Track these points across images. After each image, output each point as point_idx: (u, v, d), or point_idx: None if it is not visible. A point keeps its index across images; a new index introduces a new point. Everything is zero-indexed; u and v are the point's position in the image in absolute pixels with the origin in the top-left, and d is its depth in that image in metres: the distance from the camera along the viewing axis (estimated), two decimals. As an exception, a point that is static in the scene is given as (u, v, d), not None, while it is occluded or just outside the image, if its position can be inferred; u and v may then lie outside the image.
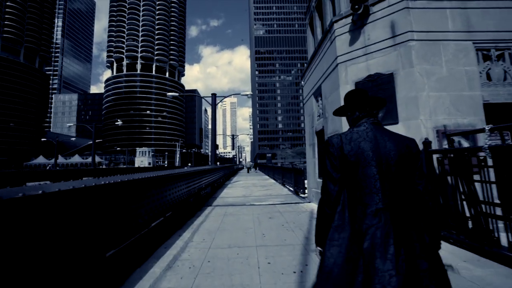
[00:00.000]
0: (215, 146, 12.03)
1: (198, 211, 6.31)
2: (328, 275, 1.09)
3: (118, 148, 71.85)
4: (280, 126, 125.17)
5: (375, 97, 1.29)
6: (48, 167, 52.39)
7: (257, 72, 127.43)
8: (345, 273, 1.06)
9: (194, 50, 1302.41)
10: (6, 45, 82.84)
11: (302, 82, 8.96)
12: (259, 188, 11.28)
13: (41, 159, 65.30)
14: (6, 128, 77.18)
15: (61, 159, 66.06)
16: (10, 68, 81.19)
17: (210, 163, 11.95)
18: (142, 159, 67.30)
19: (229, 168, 18.70)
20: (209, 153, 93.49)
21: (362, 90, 1.35)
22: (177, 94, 12.76)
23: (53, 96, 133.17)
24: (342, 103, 1.34)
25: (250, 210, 6.38)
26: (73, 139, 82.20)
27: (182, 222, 5.02)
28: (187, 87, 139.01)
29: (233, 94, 13.37)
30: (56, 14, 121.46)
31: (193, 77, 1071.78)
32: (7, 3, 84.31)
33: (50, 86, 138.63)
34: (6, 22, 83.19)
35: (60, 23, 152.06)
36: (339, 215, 1.18)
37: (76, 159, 66.91)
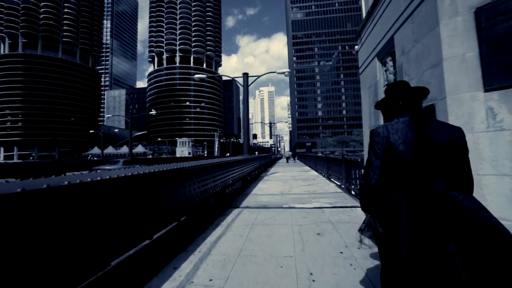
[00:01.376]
0: (248, 134, 10.47)
1: (219, 217, 4.80)
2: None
3: (159, 139, 75.39)
4: (320, 113, 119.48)
5: (418, 87, 1.35)
6: (89, 157, 57.12)
7: (294, 58, 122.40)
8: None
9: (231, 40, 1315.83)
10: (66, 48, 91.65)
11: (357, 46, 6.78)
12: (300, 182, 9.47)
13: (96, 150, 71.83)
14: (68, 123, 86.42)
15: (112, 150, 71.82)
16: (70, 68, 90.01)
17: (243, 153, 10.45)
18: (183, 149, 69.78)
19: (265, 158, 17.14)
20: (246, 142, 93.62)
21: (403, 82, 1.38)
22: (204, 76, 11.44)
23: (105, 92, 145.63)
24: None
25: (289, 216, 4.67)
26: (116, 130, 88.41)
27: (190, 238, 3.52)
28: (224, 78, 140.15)
29: (268, 72, 11.61)
30: (104, 17, 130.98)
31: (231, 68, 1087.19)
32: (65, 10, 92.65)
33: (102, 84, 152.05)
34: (65, 28, 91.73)
35: (108, 25, 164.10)
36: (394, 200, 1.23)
37: (125, 149, 72.10)
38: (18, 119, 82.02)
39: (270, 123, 29.54)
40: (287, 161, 29.11)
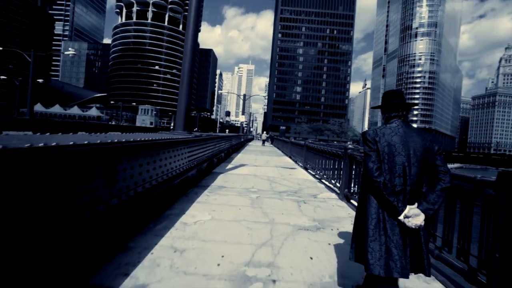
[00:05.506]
0: (188, 90, 4.91)
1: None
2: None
3: (112, 102, 65.48)
4: (298, 98, 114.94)
5: (410, 103, 1.61)
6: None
7: (280, 35, 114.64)
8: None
9: (217, 10, 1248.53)
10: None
11: None
12: (291, 206, 4.30)
13: (38, 107, 60.60)
14: (5, 70, 72.03)
15: (59, 109, 61.16)
16: (11, 3, 73.64)
17: (174, 127, 4.90)
18: (144, 118, 61.33)
19: (229, 140, 11.68)
20: (218, 119, 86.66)
21: (399, 93, 1.65)
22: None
23: (62, 43, 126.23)
24: None
25: None
26: (69, 86, 76.67)
27: None
28: (201, 46, 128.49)
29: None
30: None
31: (214, 40, 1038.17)
32: None
33: (61, 33, 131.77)
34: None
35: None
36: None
37: (75, 110, 61.75)
38: None
39: (244, 95, 24.07)
40: (263, 144, 27.11)
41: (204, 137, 5.27)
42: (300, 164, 10.25)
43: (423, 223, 1.41)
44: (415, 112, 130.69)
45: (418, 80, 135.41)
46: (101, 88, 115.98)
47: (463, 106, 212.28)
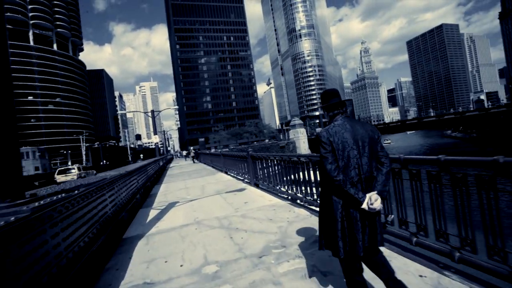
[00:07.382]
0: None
1: None
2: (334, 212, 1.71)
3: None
4: (210, 106, 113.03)
5: (347, 99, 1.86)
6: None
7: (178, 47, 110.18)
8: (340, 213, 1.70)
9: (103, 27, 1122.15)
10: None
11: None
12: (285, 273, 2.37)
13: None
14: None
15: None
16: None
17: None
18: (25, 164, 47.18)
19: (145, 171, 8.63)
20: (128, 145, 76.48)
21: (335, 92, 1.86)
22: None
23: None
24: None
25: None
26: None
27: None
28: (88, 68, 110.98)
29: None
30: None
31: (105, 60, 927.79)
32: None
33: None
34: None
35: None
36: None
37: None
38: None
39: (152, 111, 20.56)
40: (194, 161, 26.29)
41: (83, 192, 2.44)
42: (246, 180, 8.26)
43: (381, 206, 1.59)
44: (315, 102, 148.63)
45: (311, 74, 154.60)
46: None
47: (346, 91, 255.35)
